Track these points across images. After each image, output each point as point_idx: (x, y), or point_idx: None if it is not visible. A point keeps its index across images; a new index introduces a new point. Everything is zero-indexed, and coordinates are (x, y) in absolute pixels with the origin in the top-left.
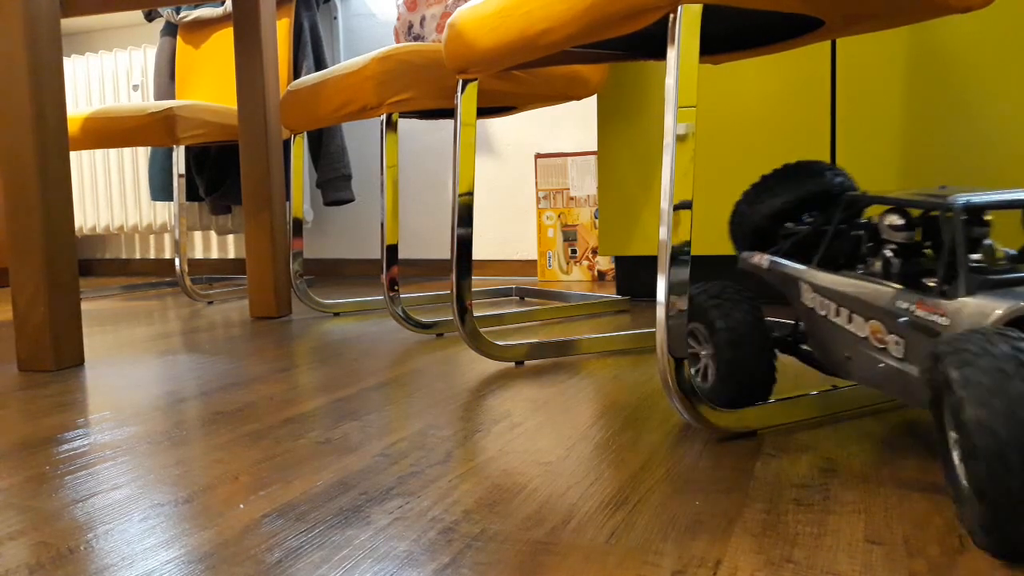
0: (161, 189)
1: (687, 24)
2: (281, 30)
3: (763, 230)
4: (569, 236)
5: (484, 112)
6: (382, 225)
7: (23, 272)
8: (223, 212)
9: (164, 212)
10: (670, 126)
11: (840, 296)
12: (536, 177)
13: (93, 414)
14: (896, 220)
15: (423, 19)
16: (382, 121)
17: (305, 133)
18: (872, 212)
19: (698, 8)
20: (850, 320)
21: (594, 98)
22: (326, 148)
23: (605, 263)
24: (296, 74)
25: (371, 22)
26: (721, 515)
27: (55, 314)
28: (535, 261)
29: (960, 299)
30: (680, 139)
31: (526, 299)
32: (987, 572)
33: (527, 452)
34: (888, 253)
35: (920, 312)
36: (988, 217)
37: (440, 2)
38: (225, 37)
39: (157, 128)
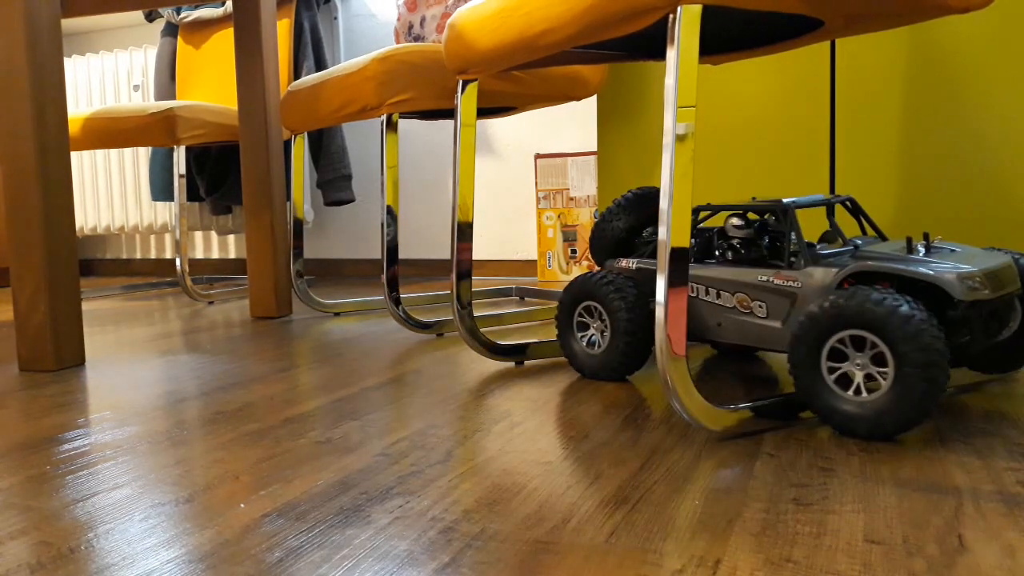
0: (162, 189)
1: (687, 24)
2: (281, 30)
3: (622, 242)
4: (569, 236)
5: (484, 112)
6: (382, 225)
7: (24, 272)
8: (224, 212)
9: (165, 212)
10: (670, 126)
11: (708, 280)
12: (536, 177)
13: (94, 414)
14: (738, 222)
15: (423, 19)
16: (382, 121)
17: (305, 133)
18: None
19: (698, 8)
20: (718, 296)
21: (594, 98)
22: (326, 148)
23: None
24: (296, 74)
25: (371, 22)
26: (721, 515)
27: (56, 314)
28: (535, 261)
29: (805, 270)
30: (680, 139)
31: (526, 299)
32: (987, 572)
33: (527, 452)
34: (736, 245)
35: (777, 281)
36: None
37: (440, 2)
38: (226, 37)
39: (158, 128)
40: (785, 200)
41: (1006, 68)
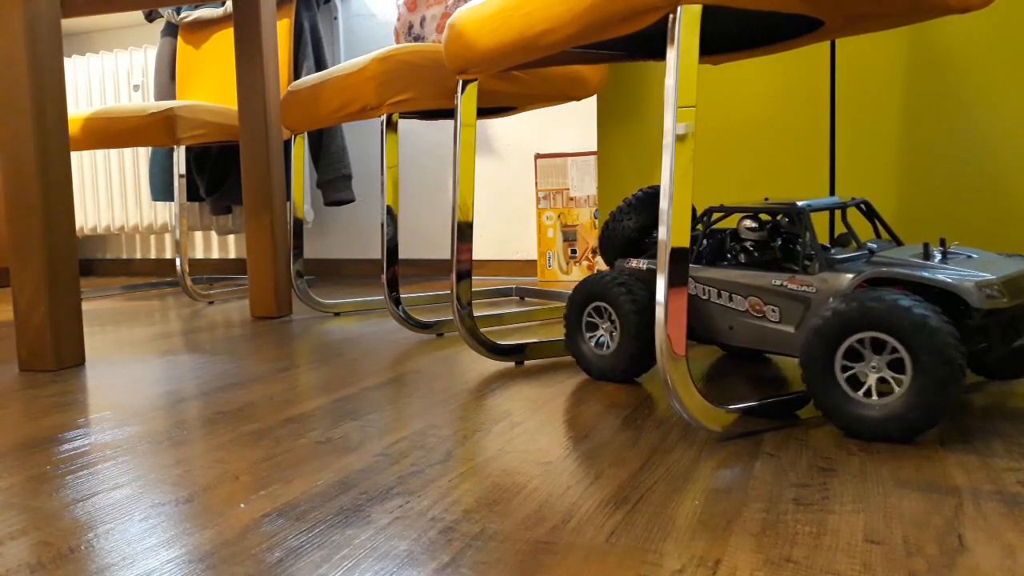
0: (162, 189)
1: (687, 24)
2: (281, 30)
3: (633, 242)
4: (569, 236)
5: (484, 112)
6: (382, 225)
7: (24, 272)
8: (223, 212)
9: (165, 212)
10: (670, 126)
11: (721, 283)
12: (536, 177)
13: (94, 414)
14: (751, 224)
15: (423, 19)
16: (382, 121)
17: (305, 133)
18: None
19: (698, 8)
20: (731, 299)
21: (594, 98)
22: (326, 148)
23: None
24: (296, 74)
25: (371, 22)
26: (721, 515)
27: (56, 314)
28: (535, 261)
29: (820, 275)
30: (680, 139)
31: (526, 299)
32: (987, 572)
33: (527, 452)
34: (749, 248)
35: (792, 286)
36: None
37: (440, 2)
38: (226, 37)
39: (158, 128)
40: (800, 203)
41: (1006, 68)
